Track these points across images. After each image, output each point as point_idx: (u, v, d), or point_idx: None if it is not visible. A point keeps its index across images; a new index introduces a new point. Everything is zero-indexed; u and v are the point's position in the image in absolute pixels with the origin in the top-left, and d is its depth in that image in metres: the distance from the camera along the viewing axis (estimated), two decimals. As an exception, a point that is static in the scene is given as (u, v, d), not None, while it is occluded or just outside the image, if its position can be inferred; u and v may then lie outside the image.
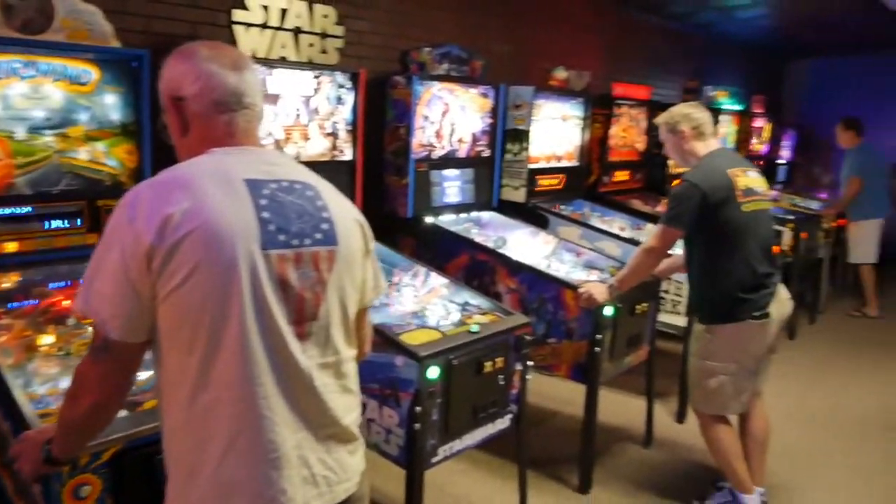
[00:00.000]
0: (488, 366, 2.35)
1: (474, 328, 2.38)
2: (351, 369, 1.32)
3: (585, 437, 2.97)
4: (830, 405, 4.10)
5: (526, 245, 3.54)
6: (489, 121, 3.77)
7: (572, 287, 2.93)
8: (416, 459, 2.18)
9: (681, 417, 3.73)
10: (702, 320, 2.74)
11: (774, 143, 7.53)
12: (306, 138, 2.86)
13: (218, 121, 1.25)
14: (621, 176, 5.12)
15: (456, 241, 3.37)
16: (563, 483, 3.06)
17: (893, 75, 8.03)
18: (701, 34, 6.85)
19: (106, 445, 1.45)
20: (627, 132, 5.09)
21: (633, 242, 3.69)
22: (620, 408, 3.73)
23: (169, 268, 1.09)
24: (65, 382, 1.66)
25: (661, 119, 2.84)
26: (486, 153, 3.80)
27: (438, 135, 3.48)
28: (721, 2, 5.79)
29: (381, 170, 3.42)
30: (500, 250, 3.32)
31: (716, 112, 5.76)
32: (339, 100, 2.96)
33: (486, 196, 3.83)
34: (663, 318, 3.63)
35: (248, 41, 2.84)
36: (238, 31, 2.82)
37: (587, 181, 4.79)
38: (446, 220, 3.54)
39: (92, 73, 2.06)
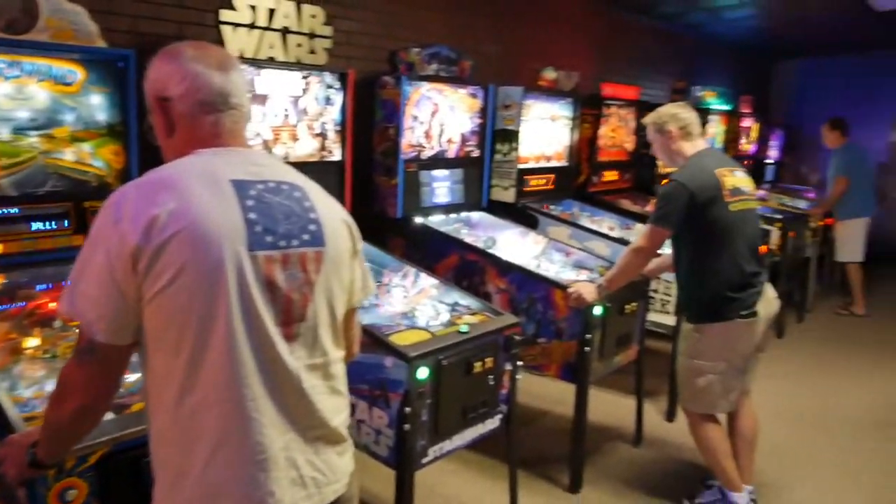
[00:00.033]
0: (478, 366, 2.35)
1: (464, 328, 2.38)
2: (339, 370, 1.32)
3: (575, 436, 2.98)
4: (819, 403, 4.13)
5: (516, 245, 3.54)
6: (478, 121, 3.77)
7: (562, 287, 2.93)
8: (406, 460, 2.18)
9: (670, 416, 3.74)
10: (690, 319, 2.75)
11: (762, 142, 7.57)
12: (295, 139, 2.85)
13: (204, 121, 1.24)
14: (610, 176, 5.14)
15: (445, 242, 3.37)
16: (553, 483, 3.06)
17: (879, 75, 8.11)
18: (689, 35, 6.88)
19: (92, 448, 1.44)
20: (616, 132, 5.11)
21: (623, 242, 3.70)
22: (610, 407, 3.74)
23: (155, 269, 1.09)
24: (51, 385, 1.65)
25: (648, 119, 2.86)
26: (476, 153, 3.80)
27: (428, 135, 3.48)
28: (709, 2, 5.83)
29: (370, 170, 3.42)
30: (490, 250, 3.32)
31: (704, 112, 5.80)
32: (328, 100, 2.95)
33: (475, 196, 3.83)
34: (652, 317, 3.65)
35: (236, 41, 2.83)
36: (226, 31, 2.81)
37: (576, 181, 4.80)
38: (436, 221, 3.54)
39: (77, 73, 2.05)
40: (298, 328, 1.20)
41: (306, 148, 2.90)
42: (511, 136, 3.98)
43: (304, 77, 2.84)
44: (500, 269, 3.16)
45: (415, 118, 3.38)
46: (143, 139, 2.10)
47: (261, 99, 2.69)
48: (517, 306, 3.06)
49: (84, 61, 2.06)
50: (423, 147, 3.47)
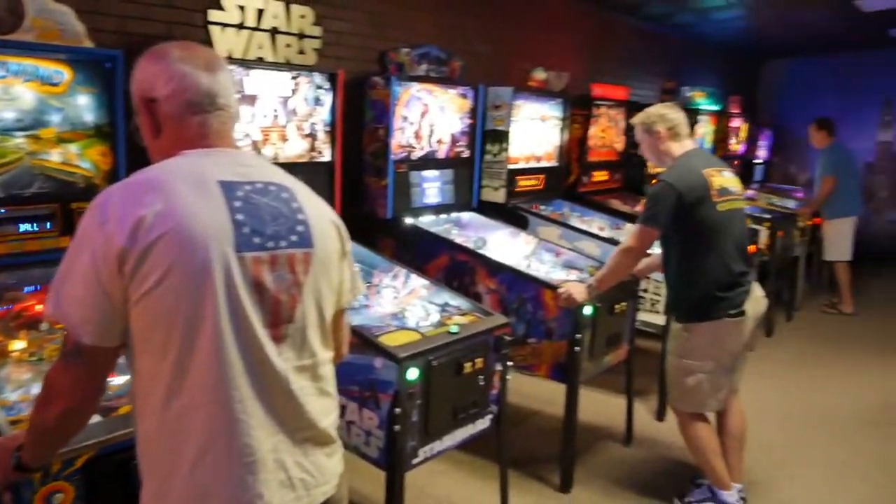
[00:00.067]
0: (468, 366, 2.35)
1: (454, 329, 2.38)
2: (328, 372, 1.32)
3: (566, 436, 2.98)
4: (807, 401, 4.16)
5: (506, 245, 3.55)
6: (468, 121, 3.77)
7: (552, 287, 2.94)
8: (397, 461, 2.18)
9: (661, 415, 3.76)
10: (679, 319, 2.77)
11: (751, 142, 7.62)
12: (284, 139, 2.84)
13: (191, 122, 1.24)
14: (600, 176, 5.15)
15: (436, 242, 3.37)
16: (544, 482, 3.07)
17: (866, 76, 8.18)
18: (678, 35, 6.92)
19: (79, 452, 1.43)
20: (606, 132, 5.12)
21: (613, 242, 3.71)
22: (601, 407, 3.75)
23: (141, 271, 1.08)
24: (37, 388, 1.62)
25: (637, 119, 2.87)
26: (466, 154, 3.80)
27: (418, 136, 3.48)
28: (698, 3, 5.85)
29: (360, 171, 3.41)
30: (480, 251, 3.32)
31: (693, 112, 5.82)
32: (318, 101, 2.94)
33: (465, 197, 3.83)
34: (642, 316, 3.66)
35: (225, 42, 2.82)
36: (214, 31, 2.79)
37: (566, 181, 4.81)
38: (426, 221, 3.54)
39: (64, 73, 2.03)
40: (287, 329, 1.20)
41: (296, 149, 2.89)
42: (501, 137, 3.99)
43: (294, 77, 2.83)
44: (490, 270, 3.16)
45: (405, 119, 3.38)
46: (130, 140, 2.08)
47: (250, 99, 2.68)
48: (507, 306, 3.07)
49: (71, 61, 2.04)
50: (413, 148, 3.46)
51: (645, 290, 3.72)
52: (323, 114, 2.97)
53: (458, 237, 3.52)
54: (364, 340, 2.21)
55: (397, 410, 2.14)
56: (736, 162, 6.93)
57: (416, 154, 3.49)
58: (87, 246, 1.10)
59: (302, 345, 1.23)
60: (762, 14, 6.35)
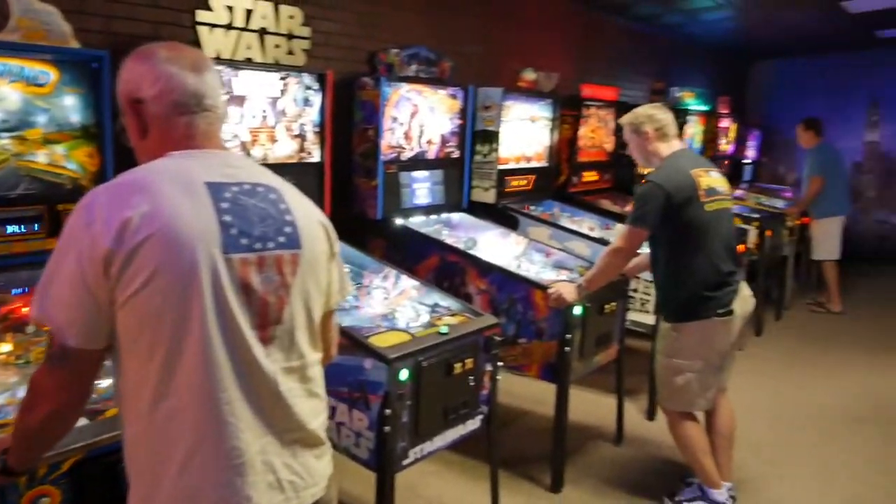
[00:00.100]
0: (458, 367, 2.35)
1: (443, 329, 2.38)
2: (317, 373, 1.31)
3: (556, 436, 2.99)
4: (797, 400, 4.18)
5: (496, 246, 3.55)
6: (458, 122, 3.77)
7: (542, 287, 2.94)
8: (387, 462, 2.17)
9: (651, 415, 3.77)
10: (667, 319, 2.78)
11: (740, 142, 7.66)
12: (273, 140, 2.83)
13: (177, 123, 1.23)
14: (590, 176, 5.17)
15: (426, 243, 3.37)
16: (535, 482, 3.07)
17: (854, 76, 8.25)
18: (667, 36, 6.95)
19: (65, 455, 1.42)
20: (596, 133, 5.14)
21: (603, 242, 3.72)
22: (591, 406, 3.76)
23: (128, 273, 1.07)
24: (23, 392, 1.61)
25: (625, 120, 2.88)
26: (456, 154, 3.80)
27: (407, 136, 3.47)
28: (687, 4, 5.88)
29: (349, 172, 3.41)
30: (471, 251, 3.32)
31: (683, 113, 5.85)
32: (307, 101, 2.93)
33: (456, 197, 3.83)
34: (632, 316, 3.67)
35: (213, 42, 2.80)
36: (202, 31, 2.78)
37: (557, 182, 4.83)
38: (416, 222, 3.53)
39: (50, 74, 2.02)
40: (274, 331, 1.20)
41: (285, 149, 2.89)
42: (491, 137, 3.99)
43: (283, 78, 2.83)
44: (480, 270, 3.16)
45: (394, 119, 3.37)
46: (117, 141, 2.07)
47: (239, 100, 2.67)
48: (497, 307, 3.07)
49: (57, 62, 2.03)
50: (403, 148, 3.46)
51: (635, 290, 3.73)
52: (312, 114, 2.97)
53: (449, 238, 3.52)
54: (354, 341, 2.20)
55: (387, 411, 2.14)
56: (725, 162, 6.97)
57: (406, 155, 3.48)
58: (73, 248, 1.09)
59: (290, 346, 1.23)
60: (751, 15, 6.39)
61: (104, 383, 1.61)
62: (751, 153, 8.16)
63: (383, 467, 2.18)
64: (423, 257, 3.34)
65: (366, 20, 3.67)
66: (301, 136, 2.94)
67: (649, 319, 3.70)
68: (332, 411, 2.27)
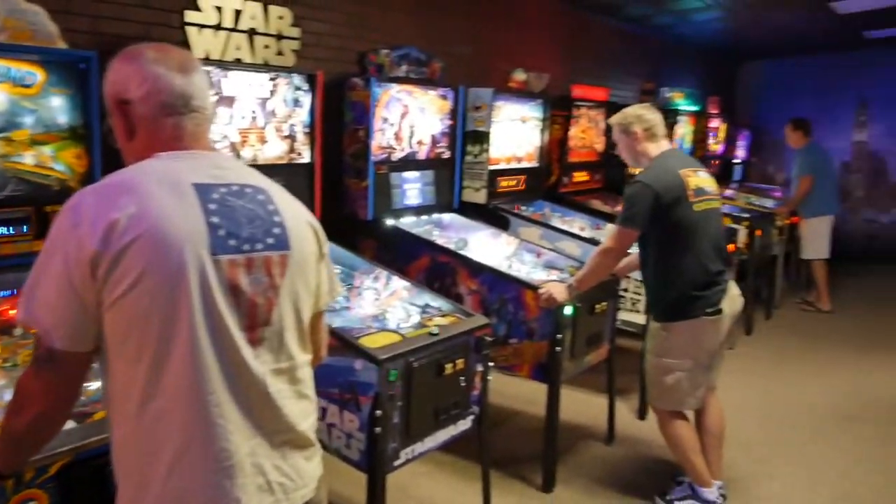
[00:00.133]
0: (449, 367, 2.35)
1: (434, 330, 2.38)
2: (306, 374, 1.31)
3: (548, 435, 2.99)
4: (787, 398, 4.20)
5: (487, 246, 3.55)
6: (449, 122, 3.77)
7: (532, 287, 2.95)
8: (378, 463, 2.17)
9: (642, 414, 3.78)
10: (657, 318, 2.79)
11: (730, 142, 7.70)
12: (263, 141, 2.82)
13: (165, 124, 1.22)
14: (581, 176, 5.18)
15: (417, 244, 3.37)
16: (526, 482, 3.07)
17: (842, 76, 8.31)
18: (657, 36, 6.97)
19: (53, 458, 1.41)
20: (586, 133, 5.16)
21: (593, 242, 3.73)
22: (582, 406, 3.77)
23: (115, 275, 1.07)
24: (10, 395, 1.61)
25: (614, 120, 2.89)
26: (447, 155, 3.80)
27: (398, 137, 3.47)
28: (676, 5, 5.90)
29: (340, 172, 3.40)
30: (461, 252, 3.32)
31: (673, 113, 5.87)
32: (297, 102, 2.93)
33: (446, 198, 3.83)
34: (623, 316, 3.68)
35: (202, 43, 2.79)
36: (191, 32, 2.76)
37: (547, 182, 4.84)
38: (407, 223, 3.53)
39: (37, 74, 2.00)
40: (263, 332, 1.19)
41: (275, 150, 2.88)
42: (482, 138, 4.00)
43: (272, 79, 2.82)
44: (471, 271, 3.17)
45: (385, 120, 3.37)
46: (105, 142, 2.06)
47: (228, 101, 2.66)
48: (488, 307, 3.07)
49: (44, 63, 2.01)
50: (394, 149, 3.46)
51: (625, 290, 3.75)
52: (302, 115, 2.96)
53: (440, 238, 3.52)
54: (344, 342, 2.20)
55: (378, 412, 2.13)
56: (715, 162, 7.01)
57: (397, 155, 3.48)
58: (60, 249, 1.09)
59: (279, 348, 1.22)
60: (740, 16, 6.43)
61: (93, 386, 1.60)
62: (741, 153, 8.21)
63: (374, 468, 2.18)
64: (413, 258, 3.33)
65: (355, 21, 3.67)
66: (291, 137, 2.93)
67: (640, 319, 3.72)
68: (323, 412, 2.26)
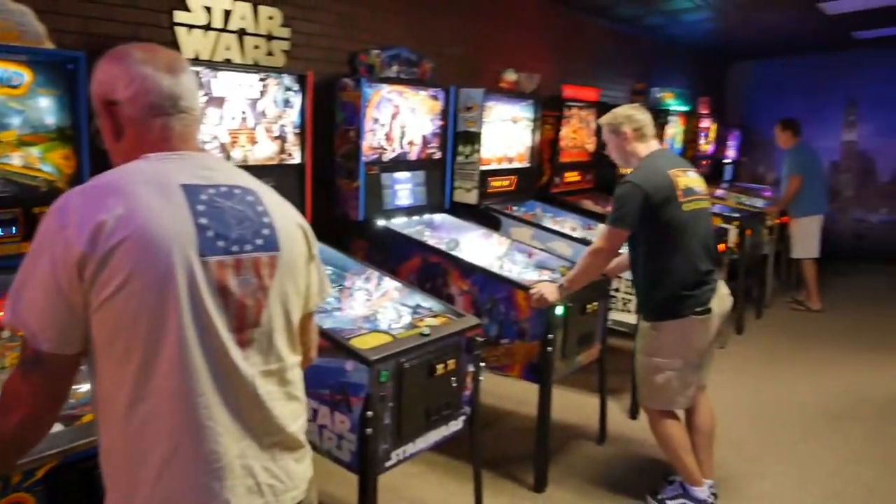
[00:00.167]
0: (440, 368, 2.35)
1: (425, 331, 2.37)
2: (296, 376, 1.30)
3: (539, 435, 2.99)
4: (778, 397, 4.22)
5: (478, 247, 3.55)
6: (440, 123, 3.77)
7: (524, 287, 2.95)
8: (369, 464, 2.17)
9: (633, 414, 3.79)
10: (647, 318, 2.80)
11: (720, 142, 7.74)
12: (253, 142, 2.82)
13: (153, 125, 1.22)
14: (572, 177, 5.19)
15: (408, 244, 3.36)
16: (518, 482, 3.07)
17: (831, 77, 8.36)
18: (648, 37, 7.00)
19: (41, 462, 1.40)
20: (577, 133, 5.17)
21: (585, 242, 3.73)
22: (574, 406, 3.77)
23: (102, 276, 1.06)
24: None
25: (604, 120, 2.90)
26: (438, 155, 3.80)
27: (389, 137, 3.47)
28: (668, 5, 5.93)
29: (331, 173, 3.39)
30: (453, 252, 3.32)
31: (663, 113, 5.90)
32: (287, 102, 2.92)
33: (437, 198, 3.83)
34: (614, 316, 3.69)
35: (191, 43, 2.78)
36: (180, 32, 2.75)
37: (539, 182, 4.85)
38: (398, 223, 3.53)
39: (24, 75, 1.99)
40: (252, 334, 1.19)
41: (265, 151, 2.87)
42: (473, 138, 4.00)
43: (262, 79, 2.81)
44: (462, 271, 3.17)
45: (375, 120, 3.37)
46: (94, 143, 2.05)
47: (218, 101, 2.65)
48: (480, 308, 3.07)
49: (31, 63, 2.00)
50: (385, 149, 3.46)
51: (617, 290, 3.75)
52: (292, 116, 2.95)
53: (431, 239, 3.52)
54: (335, 343, 2.20)
55: (369, 413, 2.13)
56: (705, 162, 7.04)
57: (388, 156, 3.48)
58: (47, 251, 1.08)
59: (268, 349, 1.22)
60: (730, 16, 6.46)
61: (82, 388, 1.59)
62: (731, 153, 8.25)
63: (365, 469, 2.17)
64: (405, 258, 3.33)
65: (346, 21, 3.66)
66: (281, 138, 2.93)
67: (631, 319, 3.73)
68: (314, 414, 2.26)
